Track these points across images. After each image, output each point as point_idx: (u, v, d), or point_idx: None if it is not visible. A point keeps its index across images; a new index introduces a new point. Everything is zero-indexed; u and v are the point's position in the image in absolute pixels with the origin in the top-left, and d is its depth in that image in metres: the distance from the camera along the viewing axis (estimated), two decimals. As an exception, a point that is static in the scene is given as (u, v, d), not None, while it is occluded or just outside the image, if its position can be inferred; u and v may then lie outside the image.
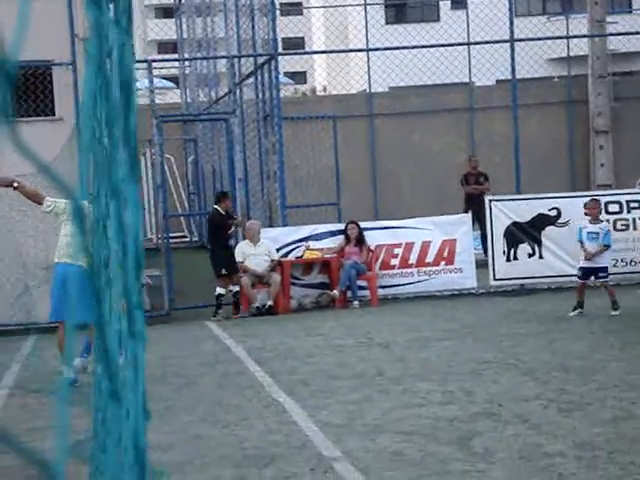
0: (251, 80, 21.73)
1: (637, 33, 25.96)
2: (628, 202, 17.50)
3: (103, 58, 1.74)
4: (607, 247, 14.82)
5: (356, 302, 17.25)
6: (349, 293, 17.43)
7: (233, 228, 17.43)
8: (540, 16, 40.45)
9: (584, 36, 27.28)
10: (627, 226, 17.39)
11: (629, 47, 29.36)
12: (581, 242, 14.84)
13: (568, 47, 29.44)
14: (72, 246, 11.05)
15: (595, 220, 14.95)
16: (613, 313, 14.41)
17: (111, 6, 1.70)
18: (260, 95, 20.90)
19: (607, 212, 17.09)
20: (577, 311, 14.56)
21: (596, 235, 14.70)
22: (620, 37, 27.17)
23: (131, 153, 1.78)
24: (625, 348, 11.78)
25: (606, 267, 14.82)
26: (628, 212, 17.41)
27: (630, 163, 26.88)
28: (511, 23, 19.03)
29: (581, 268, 14.87)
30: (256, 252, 17.19)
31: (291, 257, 17.72)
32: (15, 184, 11.65)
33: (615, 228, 16.98)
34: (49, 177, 1.57)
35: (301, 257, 17.72)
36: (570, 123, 28.48)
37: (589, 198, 16.05)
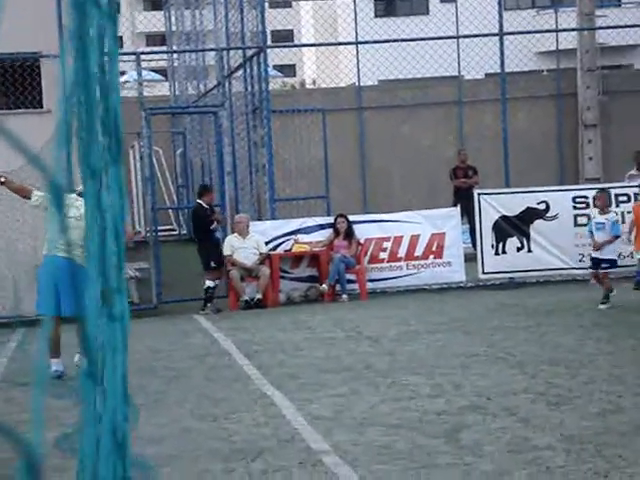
0: (240, 73, 21.67)
1: (626, 26, 25.97)
2: (617, 196, 17.51)
3: (83, 40, 1.71)
4: (616, 238, 14.84)
5: (345, 296, 17.24)
6: (338, 287, 17.41)
7: (215, 223, 17.38)
8: (529, 9, 40.50)
9: (573, 29, 27.29)
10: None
11: (618, 40, 29.37)
12: (591, 233, 14.91)
13: (557, 40, 29.45)
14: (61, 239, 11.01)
15: (603, 211, 14.96)
16: (601, 306, 14.41)
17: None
18: (249, 88, 20.84)
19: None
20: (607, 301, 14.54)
21: (602, 225, 14.72)
22: (609, 30, 27.16)
23: (112, 133, 1.75)
24: (613, 341, 11.79)
25: (612, 260, 14.79)
26: (617, 206, 17.40)
27: (619, 157, 26.88)
28: (500, 16, 19.01)
29: (592, 258, 14.97)
30: (245, 245, 17.17)
31: (280, 250, 17.70)
32: (2, 179, 11.61)
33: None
34: (35, 164, 1.54)
35: (290, 250, 17.70)
36: (559, 116, 28.49)
37: (596, 190, 16.00)
